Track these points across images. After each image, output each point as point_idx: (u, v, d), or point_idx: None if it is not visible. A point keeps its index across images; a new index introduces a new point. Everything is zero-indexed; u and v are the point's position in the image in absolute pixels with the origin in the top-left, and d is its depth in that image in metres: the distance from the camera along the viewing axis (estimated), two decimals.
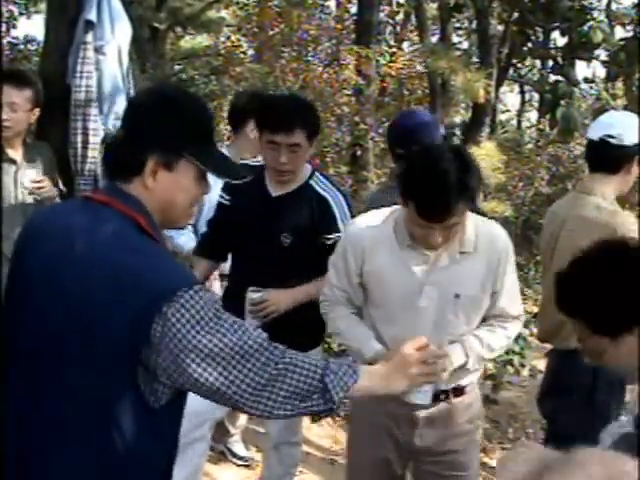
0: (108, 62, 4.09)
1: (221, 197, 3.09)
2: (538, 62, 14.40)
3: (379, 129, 8.55)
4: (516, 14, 10.52)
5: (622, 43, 9.79)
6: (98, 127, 4.03)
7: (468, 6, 10.53)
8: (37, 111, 3.55)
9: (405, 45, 13.01)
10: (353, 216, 2.92)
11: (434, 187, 2.15)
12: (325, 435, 4.50)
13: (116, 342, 1.55)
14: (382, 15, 11.40)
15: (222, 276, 3.49)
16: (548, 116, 10.80)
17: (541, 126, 12.62)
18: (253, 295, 2.87)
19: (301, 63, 7.83)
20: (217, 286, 3.54)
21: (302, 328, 2.91)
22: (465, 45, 15.04)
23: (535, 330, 4.35)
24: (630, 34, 10.50)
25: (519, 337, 4.95)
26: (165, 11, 11.99)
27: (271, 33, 7.94)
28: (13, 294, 1.74)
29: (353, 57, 7.94)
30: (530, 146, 12.07)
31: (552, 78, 10.96)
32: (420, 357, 1.75)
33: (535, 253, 8.38)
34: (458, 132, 12.20)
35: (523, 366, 5.40)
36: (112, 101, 4.11)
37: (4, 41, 10.37)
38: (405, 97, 10.21)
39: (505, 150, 10.14)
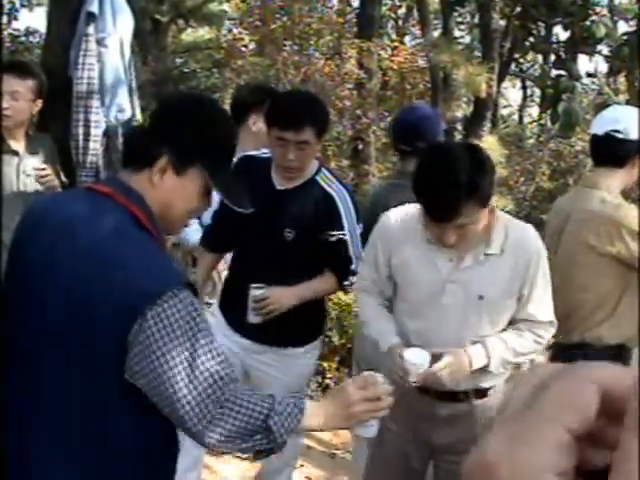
0: (110, 54, 4.09)
1: None
2: (540, 57, 14.38)
3: (381, 123, 8.54)
4: (518, 8, 10.49)
5: (625, 38, 9.77)
6: (100, 119, 4.03)
7: (470, 0, 10.50)
8: (40, 102, 3.54)
9: (407, 39, 13.00)
10: (358, 213, 2.92)
11: (439, 187, 2.14)
12: None
13: (108, 341, 1.55)
14: (384, 9, 11.38)
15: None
16: (549, 111, 10.79)
17: (542, 121, 12.60)
18: (256, 292, 2.84)
19: (303, 56, 7.81)
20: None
21: (300, 322, 2.91)
22: (467, 39, 15.00)
23: None
24: (633, 29, 10.47)
25: None
26: (167, 4, 11.96)
27: (273, 26, 7.93)
28: (12, 285, 1.73)
29: (355, 50, 7.93)
30: (532, 141, 12.06)
31: (554, 72, 10.93)
32: (362, 397, 1.73)
33: None
34: (459, 127, 12.18)
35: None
36: (114, 93, 4.10)
37: (5, 33, 10.36)
38: (407, 91, 10.18)
39: (507, 145, 10.14)
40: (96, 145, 4.00)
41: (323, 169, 2.99)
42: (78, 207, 1.69)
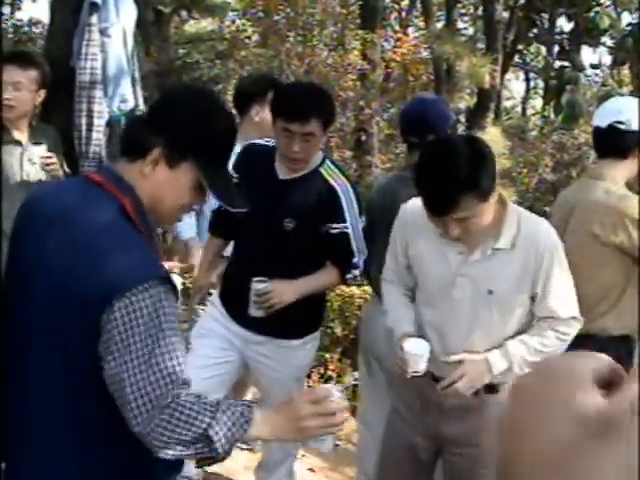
0: (113, 44, 4.08)
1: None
2: (544, 48, 14.34)
3: (384, 114, 8.54)
4: (522, 0, 10.48)
5: (629, 29, 9.74)
6: (102, 109, 4.03)
7: None
8: (43, 93, 3.54)
9: (410, 30, 12.96)
10: (361, 206, 2.91)
11: (436, 180, 2.15)
12: None
13: (86, 326, 1.55)
14: (387, 0, 11.35)
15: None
16: (553, 103, 10.77)
17: (545, 113, 12.59)
18: (258, 286, 2.81)
19: (306, 47, 7.80)
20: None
21: (301, 314, 2.90)
22: (470, 31, 14.97)
23: None
24: (637, 20, 10.43)
25: None
26: None
27: (276, 18, 7.92)
28: (12, 282, 1.72)
29: (358, 42, 7.92)
30: (535, 133, 12.03)
31: (558, 64, 10.91)
32: (313, 412, 1.66)
33: None
34: (462, 118, 12.16)
35: None
36: (117, 83, 4.10)
37: (9, 23, 10.35)
38: (410, 82, 10.17)
39: (509, 136, 10.12)
40: (99, 135, 4.00)
41: (327, 161, 2.97)
42: (71, 197, 1.68)
